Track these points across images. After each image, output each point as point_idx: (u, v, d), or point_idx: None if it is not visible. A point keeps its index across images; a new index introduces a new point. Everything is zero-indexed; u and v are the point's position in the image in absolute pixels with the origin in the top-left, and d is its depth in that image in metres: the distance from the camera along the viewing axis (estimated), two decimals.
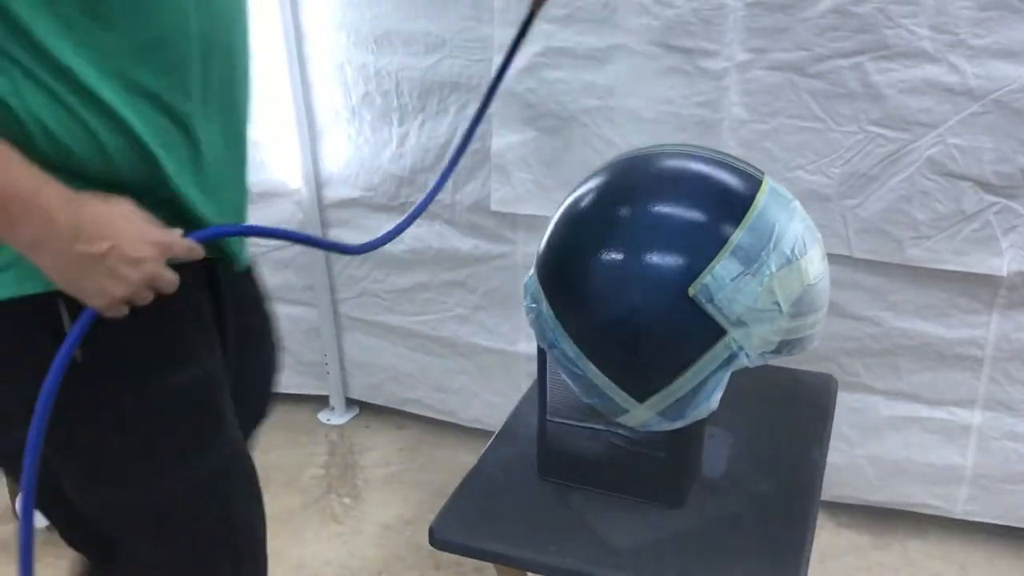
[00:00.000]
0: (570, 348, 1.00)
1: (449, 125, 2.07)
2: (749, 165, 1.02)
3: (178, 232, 0.89)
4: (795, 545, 1.02)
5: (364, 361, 2.51)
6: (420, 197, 2.17)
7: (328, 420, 2.55)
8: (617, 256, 0.96)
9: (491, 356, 2.29)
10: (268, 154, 2.29)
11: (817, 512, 1.09)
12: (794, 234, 0.95)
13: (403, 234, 2.25)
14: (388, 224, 2.25)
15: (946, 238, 1.79)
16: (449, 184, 2.13)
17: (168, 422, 0.99)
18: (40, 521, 2.05)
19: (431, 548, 1.07)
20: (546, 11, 1.85)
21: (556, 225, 1.03)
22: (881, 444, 2.04)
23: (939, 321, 1.90)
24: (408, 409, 2.46)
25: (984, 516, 2.02)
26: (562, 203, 1.04)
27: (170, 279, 0.87)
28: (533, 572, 1.10)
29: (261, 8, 2.06)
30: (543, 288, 1.03)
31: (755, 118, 1.82)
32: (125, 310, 0.87)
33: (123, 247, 0.83)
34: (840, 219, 1.84)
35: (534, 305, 1.04)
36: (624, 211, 0.98)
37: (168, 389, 0.97)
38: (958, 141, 1.71)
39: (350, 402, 2.60)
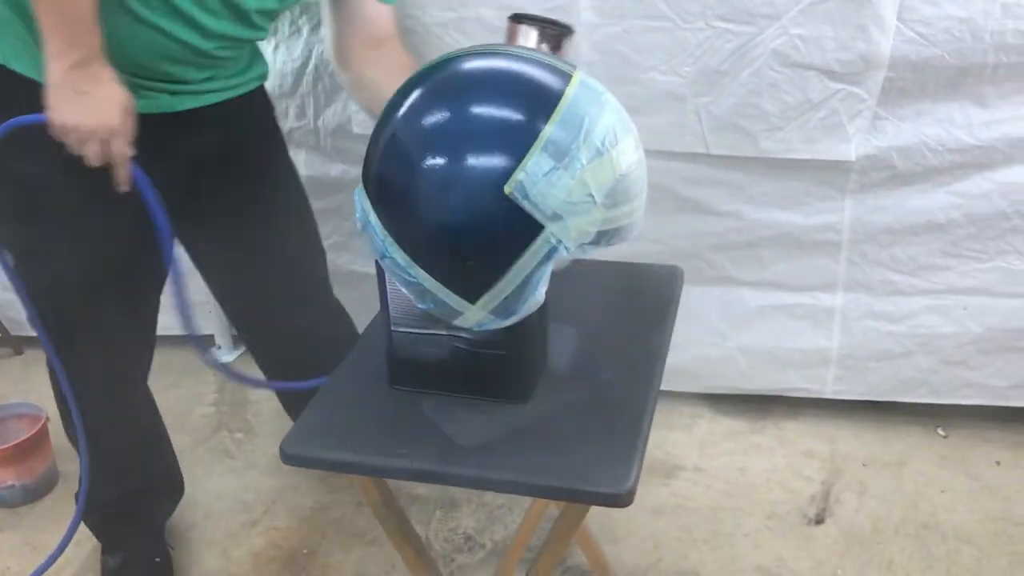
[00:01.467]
0: (400, 256, 1.01)
1: (304, 47, 2.02)
2: (561, 61, 1.03)
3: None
4: (633, 427, 1.06)
5: None
6: (282, 124, 2.14)
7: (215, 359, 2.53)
8: (434, 161, 0.96)
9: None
10: None
11: (656, 394, 1.13)
12: (605, 126, 0.96)
13: None
14: None
15: (796, 128, 1.84)
16: (310, 109, 2.10)
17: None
18: None
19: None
20: None
21: (375, 135, 1.03)
22: (752, 334, 2.12)
23: (797, 210, 1.96)
24: None
25: (850, 394, 2.12)
26: (381, 113, 1.04)
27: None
28: (383, 477, 1.13)
29: None
30: (369, 198, 1.03)
31: (606, 21, 1.82)
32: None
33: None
34: (695, 117, 1.87)
35: (363, 216, 1.04)
36: (438, 115, 0.98)
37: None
38: (800, 31, 1.74)
39: (237, 339, 2.57)
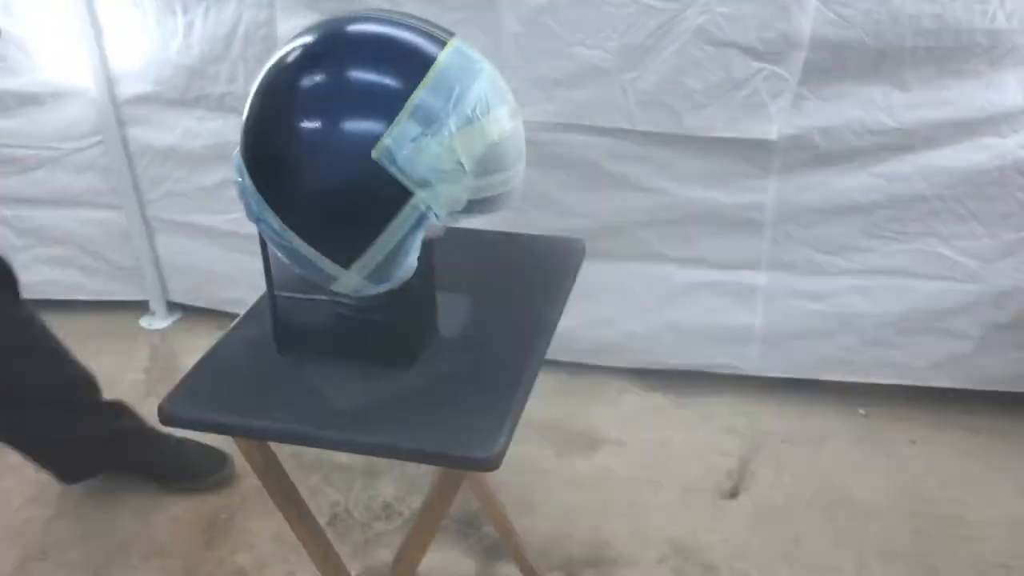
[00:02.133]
0: (274, 220, 1.01)
1: (233, 12, 2.01)
2: (440, 28, 1.03)
3: None
4: (505, 395, 1.07)
5: (181, 263, 2.47)
6: (212, 90, 2.13)
7: (149, 325, 2.53)
8: (305, 124, 0.96)
9: None
10: (52, 52, 2.19)
11: (539, 362, 1.14)
12: (477, 94, 0.97)
13: (199, 129, 2.22)
14: (184, 119, 2.22)
15: (719, 106, 1.85)
16: (240, 75, 2.09)
17: None
18: None
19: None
20: None
21: (252, 97, 1.03)
22: (678, 310, 2.14)
23: (722, 188, 1.97)
24: (229, 309, 2.45)
25: (773, 371, 2.15)
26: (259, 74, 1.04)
27: None
28: (258, 438, 1.14)
29: None
30: (244, 161, 1.03)
31: None
32: None
33: None
34: (621, 93, 1.88)
35: (239, 179, 1.04)
36: (310, 78, 0.98)
37: None
38: (724, 9, 1.75)
39: (173, 306, 2.57)
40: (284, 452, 1.28)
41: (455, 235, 1.20)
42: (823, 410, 2.13)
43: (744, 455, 2.01)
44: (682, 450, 2.03)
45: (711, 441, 2.06)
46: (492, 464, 0.99)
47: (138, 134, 2.28)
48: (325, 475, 1.98)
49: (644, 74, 1.85)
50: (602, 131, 1.94)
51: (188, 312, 2.56)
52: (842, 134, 1.85)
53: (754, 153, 1.91)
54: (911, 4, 1.68)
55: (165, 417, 1.08)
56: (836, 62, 1.78)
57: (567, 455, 2.02)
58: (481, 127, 0.97)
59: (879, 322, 2.05)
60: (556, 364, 2.14)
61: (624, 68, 1.85)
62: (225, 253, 2.39)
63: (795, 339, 2.11)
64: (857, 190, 1.92)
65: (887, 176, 1.90)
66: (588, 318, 2.14)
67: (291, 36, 0.96)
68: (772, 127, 1.85)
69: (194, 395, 1.12)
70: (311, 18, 1.93)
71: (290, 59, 1.00)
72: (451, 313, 1.23)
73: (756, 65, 1.80)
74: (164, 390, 2.19)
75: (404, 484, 1.96)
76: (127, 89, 2.22)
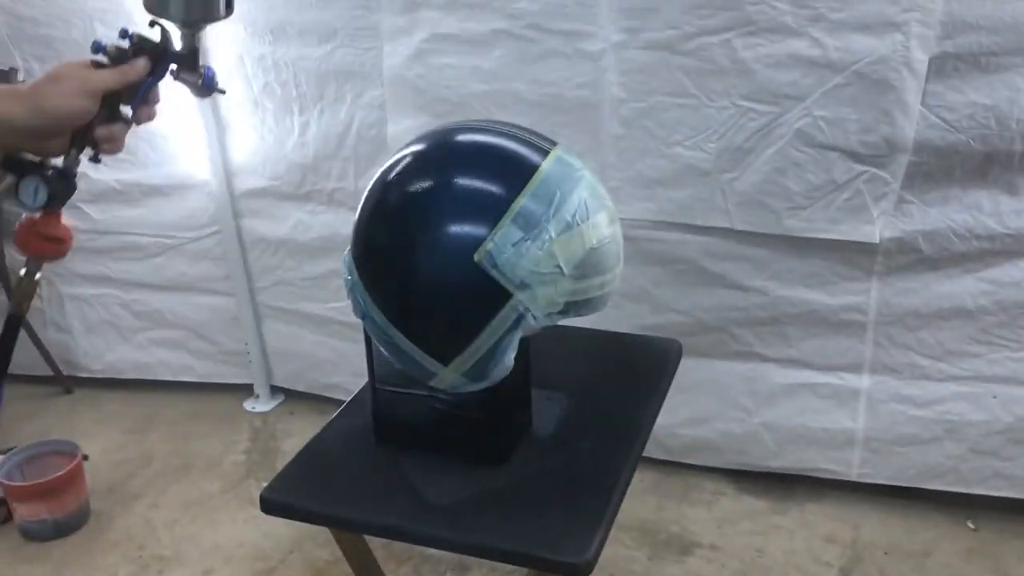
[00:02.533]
0: (378, 316, 1.05)
1: (346, 113, 2.11)
2: (543, 138, 1.07)
3: None
4: (603, 497, 1.07)
5: (286, 349, 2.55)
6: (324, 185, 2.23)
7: (253, 408, 2.60)
8: (412, 226, 1.01)
9: None
10: (177, 147, 2.33)
11: (633, 465, 1.14)
12: (577, 200, 1.00)
13: (311, 222, 2.33)
14: (297, 213, 2.33)
15: (820, 207, 1.85)
16: (351, 171, 2.18)
17: None
18: None
19: None
20: None
21: (364, 199, 1.08)
22: (777, 411, 2.10)
23: (822, 289, 1.95)
24: (330, 395, 2.51)
25: (877, 478, 2.08)
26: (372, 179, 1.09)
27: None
28: (354, 531, 1.16)
29: None
30: (354, 260, 1.08)
31: (633, 97, 1.87)
32: None
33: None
34: (720, 193, 1.89)
35: (349, 277, 1.09)
36: (419, 183, 1.02)
37: None
38: (824, 113, 1.76)
39: (276, 390, 2.64)
40: (376, 540, 1.30)
41: (552, 332, 1.22)
42: (929, 522, 2.04)
43: (845, 566, 1.94)
44: (779, 558, 1.97)
45: (810, 550, 1.99)
46: (584, 570, 0.99)
47: (253, 225, 2.39)
48: (415, 566, 1.98)
49: (743, 175, 1.86)
50: (700, 229, 1.95)
51: (290, 396, 2.63)
52: (947, 238, 1.82)
53: (856, 255, 1.89)
54: (1020, 108, 1.66)
55: (266, 505, 1.11)
56: (941, 166, 1.76)
57: (659, 559, 1.98)
58: (580, 232, 0.99)
59: (988, 431, 1.97)
60: (649, 461, 2.11)
61: (723, 168, 1.87)
62: (328, 340, 2.46)
63: (899, 445, 2.04)
64: (963, 295, 1.87)
65: (996, 282, 1.85)
66: (683, 416, 2.11)
67: (400, 136, 1.03)
68: (874, 230, 1.83)
69: (294, 485, 1.15)
70: (420, 119, 2.02)
71: (401, 165, 1.05)
72: (546, 410, 1.25)
73: (858, 168, 1.79)
74: (263, 473, 2.25)
75: None
76: (244, 183, 2.34)
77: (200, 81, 1.08)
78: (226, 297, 2.51)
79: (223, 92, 1.12)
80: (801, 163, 1.82)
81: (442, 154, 1.05)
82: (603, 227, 1.02)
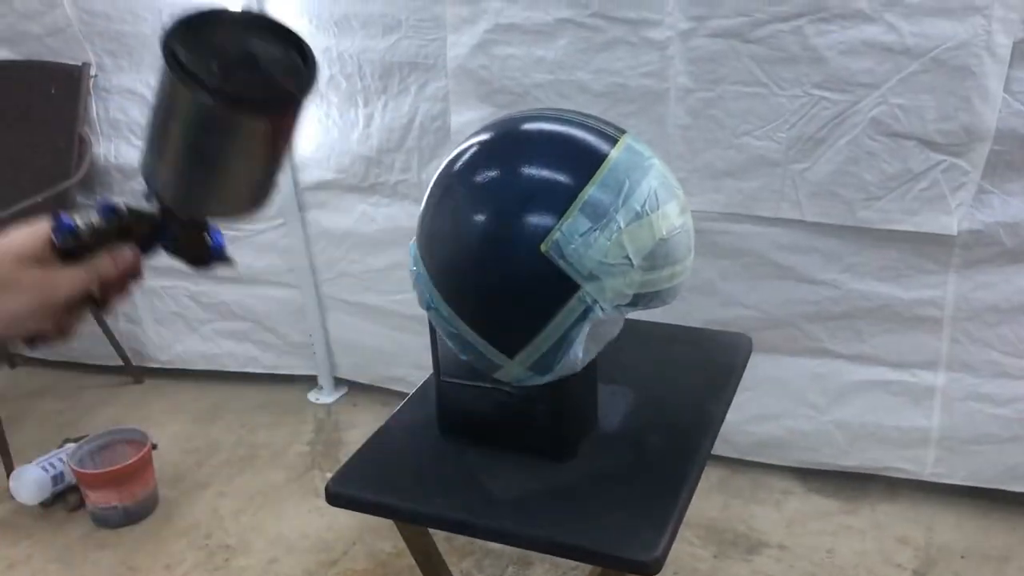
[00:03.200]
0: (444, 308, 1.04)
1: (410, 105, 2.11)
2: (612, 125, 1.04)
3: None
4: (672, 494, 1.04)
5: (350, 340, 2.57)
6: (387, 177, 2.23)
7: (317, 399, 2.62)
8: (478, 217, 0.99)
9: None
10: None
11: (702, 464, 1.11)
12: (647, 189, 0.97)
13: (375, 214, 2.33)
14: (361, 204, 2.33)
15: (895, 198, 1.79)
16: (414, 163, 2.18)
17: None
18: (33, 498, 2.14)
19: None
20: None
21: (430, 188, 1.07)
22: (848, 408, 2.04)
23: (896, 282, 1.89)
24: (392, 387, 2.52)
25: (952, 478, 2.01)
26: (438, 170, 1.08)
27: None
28: (418, 524, 1.15)
29: None
30: (420, 250, 1.07)
31: (700, 86, 1.83)
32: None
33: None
34: (791, 183, 1.85)
35: (414, 268, 1.08)
36: (485, 173, 1.01)
37: None
38: (900, 101, 1.71)
39: (339, 381, 2.66)
40: (438, 534, 1.29)
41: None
42: (1007, 524, 1.97)
43: (919, 569, 1.88)
44: (850, 559, 1.92)
45: (882, 552, 1.93)
46: (653, 568, 0.97)
47: (317, 217, 2.40)
48: (477, 560, 1.97)
49: (815, 165, 1.81)
50: (770, 221, 1.91)
51: (353, 388, 2.65)
52: None
53: (932, 247, 1.83)
54: None
55: (331, 497, 1.11)
56: None
57: (726, 557, 1.95)
58: (650, 222, 0.97)
59: None
60: (715, 458, 2.06)
61: (794, 159, 1.82)
62: (391, 332, 2.46)
63: (976, 445, 1.97)
64: None
65: None
66: (751, 413, 2.07)
67: (463, 127, 1.01)
68: (952, 221, 1.77)
69: (359, 477, 1.14)
70: (483, 111, 2.01)
71: (467, 155, 1.04)
72: (612, 406, 1.22)
73: (935, 157, 1.73)
74: (327, 463, 2.26)
75: (556, 575, 1.93)
76: (309, 176, 2.35)
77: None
78: (291, 289, 2.53)
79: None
80: (876, 152, 1.76)
81: (509, 143, 1.03)
82: (673, 217, 0.99)
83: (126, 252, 0.73)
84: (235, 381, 2.68)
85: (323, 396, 2.62)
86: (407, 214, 2.26)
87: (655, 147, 1.03)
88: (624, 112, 1.88)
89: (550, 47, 1.91)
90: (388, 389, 2.53)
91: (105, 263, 0.72)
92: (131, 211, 0.73)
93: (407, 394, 1.37)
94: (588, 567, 1.90)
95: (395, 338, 2.46)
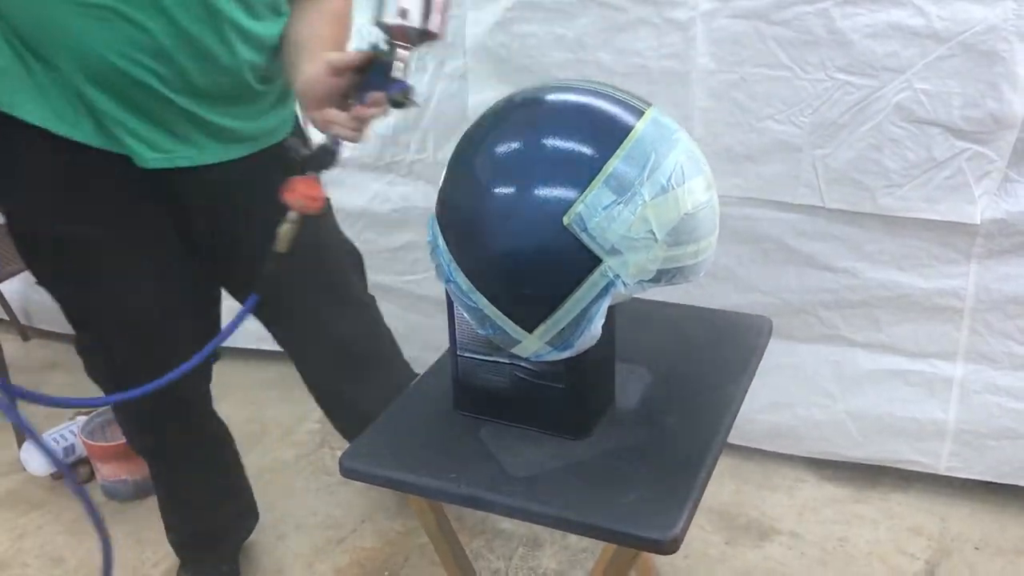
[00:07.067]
0: (463, 281, 1.02)
1: (428, 83, 2.09)
2: (637, 98, 1.03)
3: None
4: (690, 474, 1.03)
5: None
6: (403, 157, 2.21)
7: None
8: (499, 189, 0.97)
9: None
10: None
11: (721, 445, 1.09)
12: (673, 163, 0.95)
13: (389, 194, 2.31)
14: (376, 184, 2.31)
15: (918, 186, 1.77)
16: (430, 143, 2.16)
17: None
18: (43, 469, 2.14)
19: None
20: None
21: (451, 160, 1.05)
22: (863, 398, 2.02)
23: (916, 271, 1.87)
24: None
25: (967, 472, 1.99)
26: (458, 142, 1.06)
27: None
28: (432, 498, 1.14)
29: None
30: (439, 223, 1.05)
31: (723, 68, 1.81)
32: None
33: None
34: (811, 169, 1.82)
35: (433, 240, 1.06)
36: (507, 145, 0.99)
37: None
38: (925, 86, 1.68)
39: None
40: (448, 513, 1.28)
41: (638, 306, 1.18)
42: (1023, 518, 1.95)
43: (932, 559, 1.86)
44: (862, 548, 1.90)
45: (895, 541, 1.92)
46: (670, 547, 0.96)
47: (332, 195, 2.38)
48: (487, 540, 1.97)
49: (837, 151, 1.79)
50: (789, 207, 1.88)
51: None
52: None
53: (954, 237, 1.81)
54: None
55: (344, 470, 1.10)
56: None
57: (737, 544, 1.93)
58: (675, 197, 0.95)
59: None
60: (727, 446, 2.04)
61: (816, 144, 1.80)
62: (403, 312, 2.44)
63: (992, 439, 1.95)
64: None
65: None
66: (765, 400, 2.05)
67: (481, 107, 1.00)
68: (975, 210, 1.75)
69: (373, 451, 1.13)
70: (501, 90, 1.97)
71: (488, 124, 1.02)
72: (630, 385, 1.21)
73: (960, 144, 1.71)
74: (336, 442, 2.25)
75: (566, 556, 1.92)
76: None
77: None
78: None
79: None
80: (899, 139, 1.74)
81: (531, 113, 1.01)
82: (699, 192, 0.98)
83: (353, 53, 1.18)
84: (246, 357, 2.66)
85: None
86: (422, 194, 2.24)
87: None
88: (644, 93, 1.79)
89: (571, 26, 1.89)
90: None
91: (348, 53, 1.17)
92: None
93: (417, 375, 1.35)
94: (597, 549, 1.89)
95: (407, 319, 2.44)
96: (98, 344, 1.52)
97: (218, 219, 1.49)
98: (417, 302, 2.38)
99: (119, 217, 1.38)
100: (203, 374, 1.67)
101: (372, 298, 1.87)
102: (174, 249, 1.48)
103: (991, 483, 1.97)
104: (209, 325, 1.65)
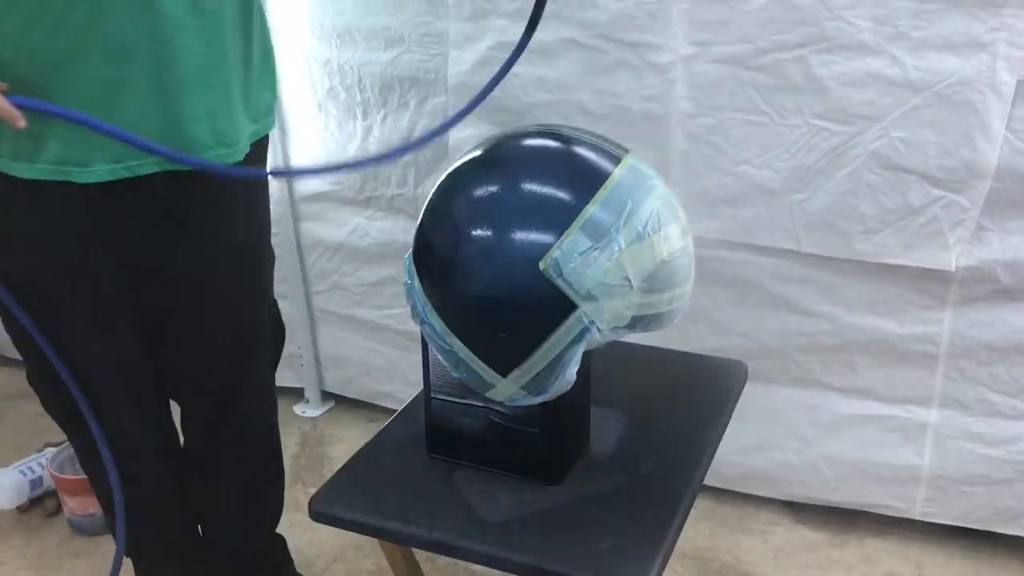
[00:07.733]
0: (437, 323, 1.02)
1: (409, 120, 2.10)
2: (615, 144, 1.03)
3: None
4: (663, 523, 1.02)
5: (338, 354, 2.54)
6: (384, 191, 2.22)
7: (303, 412, 2.59)
8: (475, 232, 0.97)
9: None
10: None
11: (696, 491, 1.09)
12: (649, 210, 0.96)
13: (369, 228, 2.31)
14: (356, 218, 2.31)
15: (894, 232, 1.78)
16: (411, 178, 2.16)
17: None
18: (10, 502, 2.10)
19: None
20: (497, 5, 1.89)
21: (428, 202, 1.05)
22: (839, 443, 2.02)
23: (892, 317, 1.88)
24: (380, 403, 2.49)
25: (942, 517, 1.99)
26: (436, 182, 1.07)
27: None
28: (402, 544, 1.12)
29: None
30: (415, 264, 1.05)
31: (702, 112, 1.82)
32: None
33: None
34: (787, 213, 1.84)
35: (408, 281, 1.06)
36: (484, 188, 0.99)
37: None
38: (902, 134, 1.70)
39: (327, 395, 2.63)
40: (420, 553, 1.26)
41: (614, 348, 1.17)
42: (997, 566, 1.95)
43: None
44: None
45: None
46: None
47: (311, 229, 2.38)
48: None
49: (814, 196, 1.80)
50: (766, 251, 1.89)
51: (340, 402, 2.62)
52: None
53: (929, 283, 1.82)
54: None
55: (314, 514, 1.09)
56: None
57: None
58: (651, 243, 0.95)
59: None
60: (703, 488, 2.04)
61: (793, 189, 1.81)
62: (381, 348, 2.44)
63: (967, 485, 1.95)
64: None
65: None
66: (739, 443, 2.04)
67: (462, 144, 1.01)
68: (950, 257, 1.76)
69: (343, 493, 1.12)
70: (483, 128, 2.00)
71: (466, 168, 1.02)
72: (605, 429, 1.20)
73: (935, 192, 1.72)
74: (310, 478, 2.23)
75: None
76: (304, 186, 2.34)
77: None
78: (281, 300, 2.49)
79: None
80: (875, 186, 1.75)
81: (510, 157, 1.01)
82: (675, 239, 0.98)
83: None
84: None
85: (309, 409, 2.59)
86: (402, 229, 2.24)
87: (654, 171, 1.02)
88: (624, 135, 1.82)
89: (552, 67, 1.90)
90: (376, 405, 2.51)
91: None
92: None
93: (395, 411, 1.34)
94: None
95: (385, 353, 2.43)
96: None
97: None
98: (396, 337, 2.37)
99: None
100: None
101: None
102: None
103: (966, 529, 1.97)
104: None
